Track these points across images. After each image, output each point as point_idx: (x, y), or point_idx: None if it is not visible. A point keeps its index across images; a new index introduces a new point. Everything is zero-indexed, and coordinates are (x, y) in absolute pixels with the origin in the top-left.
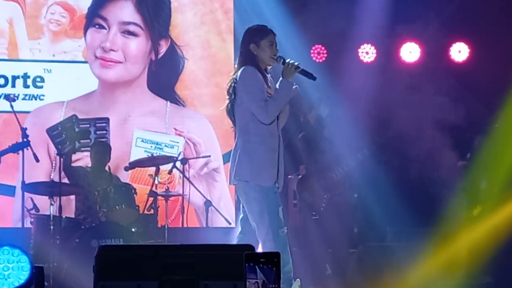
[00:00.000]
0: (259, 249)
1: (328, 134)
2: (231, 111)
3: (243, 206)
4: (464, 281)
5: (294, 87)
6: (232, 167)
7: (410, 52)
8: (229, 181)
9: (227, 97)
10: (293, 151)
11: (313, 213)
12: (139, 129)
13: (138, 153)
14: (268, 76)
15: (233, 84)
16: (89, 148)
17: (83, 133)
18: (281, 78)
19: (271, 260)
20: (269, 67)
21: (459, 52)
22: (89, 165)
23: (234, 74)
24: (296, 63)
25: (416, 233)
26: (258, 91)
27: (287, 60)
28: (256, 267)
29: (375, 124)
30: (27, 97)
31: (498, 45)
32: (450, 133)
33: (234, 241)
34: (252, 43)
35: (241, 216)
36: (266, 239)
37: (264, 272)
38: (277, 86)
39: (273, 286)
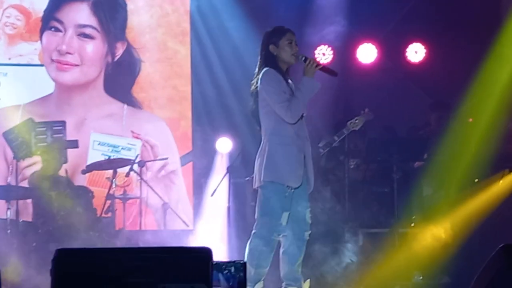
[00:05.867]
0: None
1: None
2: (255, 114)
3: None
4: (421, 282)
5: (316, 83)
6: (259, 170)
7: (367, 53)
8: (254, 183)
9: (252, 99)
10: (253, 153)
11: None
12: (96, 132)
13: (95, 156)
14: (290, 82)
15: (255, 88)
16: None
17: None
18: (303, 76)
19: (237, 268)
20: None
21: (416, 52)
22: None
23: (255, 78)
24: (317, 61)
25: (374, 234)
26: (280, 92)
27: (309, 58)
28: (220, 274)
29: (332, 125)
30: None
31: (454, 46)
32: (407, 133)
33: (192, 243)
34: (271, 44)
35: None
36: (257, 235)
37: (228, 279)
38: (300, 83)
39: None
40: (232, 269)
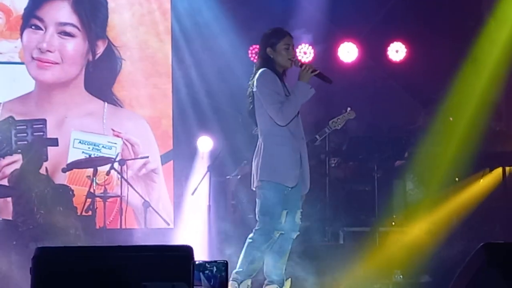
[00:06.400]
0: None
1: None
2: (252, 114)
3: None
4: (402, 280)
5: (310, 89)
6: (255, 170)
7: (348, 52)
8: (252, 184)
9: (249, 100)
10: (234, 152)
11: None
12: (76, 130)
13: (75, 155)
14: (286, 84)
15: (251, 88)
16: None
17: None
18: (297, 80)
19: (219, 268)
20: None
21: (397, 51)
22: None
23: (252, 79)
24: (313, 67)
25: (355, 233)
26: (274, 93)
27: (305, 64)
28: (201, 273)
29: (313, 123)
30: None
31: (434, 45)
32: (388, 132)
33: (173, 241)
34: (268, 46)
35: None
36: (258, 232)
37: (209, 279)
38: (294, 87)
39: None
40: (214, 268)
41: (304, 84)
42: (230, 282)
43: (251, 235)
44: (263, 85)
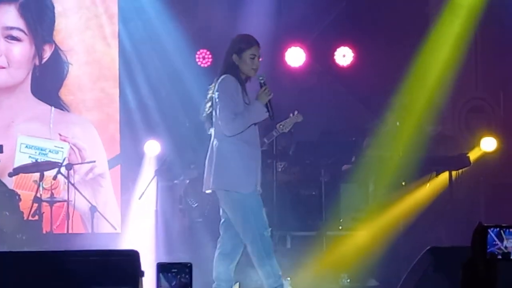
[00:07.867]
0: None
1: None
2: (209, 118)
3: (224, 212)
4: (349, 284)
5: (265, 112)
6: (208, 174)
7: (295, 56)
8: (204, 187)
9: (208, 104)
10: (181, 156)
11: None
12: (23, 135)
13: (22, 159)
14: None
15: (212, 92)
16: None
17: None
18: (256, 99)
19: (182, 269)
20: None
21: (344, 56)
22: None
23: (214, 83)
24: (270, 91)
25: (302, 237)
26: (232, 102)
27: (266, 84)
28: (161, 274)
29: (261, 127)
30: None
31: (381, 50)
32: (335, 136)
33: (120, 246)
34: (235, 53)
35: (221, 221)
36: (253, 241)
37: (170, 280)
38: (250, 105)
39: None
40: (177, 270)
41: (261, 106)
42: None
43: (251, 250)
44: (223, 91)
